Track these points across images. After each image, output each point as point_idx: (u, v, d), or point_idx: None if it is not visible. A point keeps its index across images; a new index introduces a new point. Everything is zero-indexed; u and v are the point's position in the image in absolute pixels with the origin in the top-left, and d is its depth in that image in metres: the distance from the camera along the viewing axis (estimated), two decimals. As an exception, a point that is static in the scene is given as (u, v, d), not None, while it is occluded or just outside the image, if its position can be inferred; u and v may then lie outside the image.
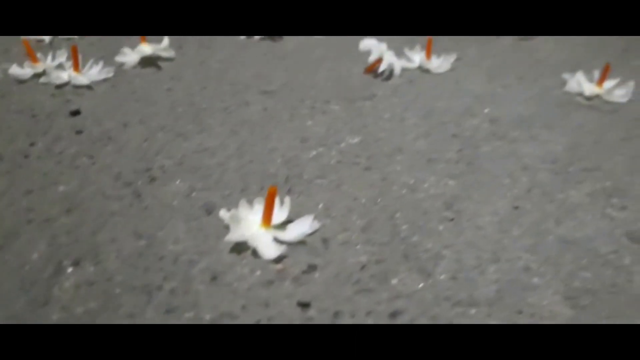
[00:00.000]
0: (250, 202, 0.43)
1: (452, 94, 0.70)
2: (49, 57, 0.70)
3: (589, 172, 0.53)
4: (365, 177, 0.50)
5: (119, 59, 0.73)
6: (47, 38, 0.80)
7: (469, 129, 0.61)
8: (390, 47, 0.76)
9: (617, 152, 0.57)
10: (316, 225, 0.43)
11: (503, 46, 0.88)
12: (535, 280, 0.39)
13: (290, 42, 0.85)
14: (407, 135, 0.58)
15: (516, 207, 0.47)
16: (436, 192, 0.49)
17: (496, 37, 0.92)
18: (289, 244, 0.41)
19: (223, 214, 0.42)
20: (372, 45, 0.75)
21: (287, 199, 0.43)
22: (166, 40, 0.76)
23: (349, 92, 0.69)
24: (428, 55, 0.77)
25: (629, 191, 0.50)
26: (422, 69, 0.77)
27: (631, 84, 0.71)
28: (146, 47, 0.74)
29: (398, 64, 0.75)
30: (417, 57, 0.78)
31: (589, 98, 0.70)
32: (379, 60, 0.75)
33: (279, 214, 0.43)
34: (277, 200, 0.43)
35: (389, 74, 0.74)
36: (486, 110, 0.65)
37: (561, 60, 0.82)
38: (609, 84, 0.72)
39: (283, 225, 0.43)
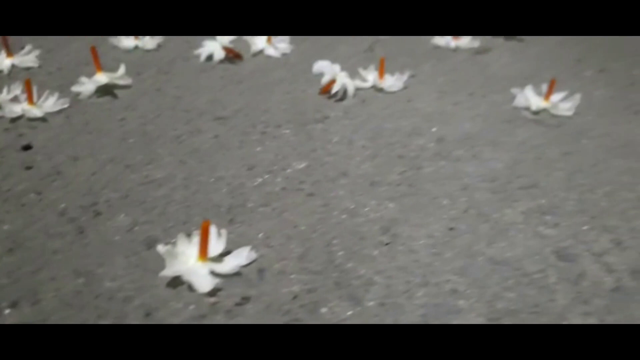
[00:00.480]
0: (190, 235, 0.44)
1: (402, 113, 0.71)
2: (4, 91, 0.71)
3: (526, 189, 0.55)
4: (308, 203, 0.52)
5: (75, 88, 0.74)
6: (5, 69, 0.81)
7: (414, 149, 0.62)
8: (345, 67, 0.78)
9: (557, 167, 0.59)
10: (253, 255, 0.44)
11: (458, 61, 0.90)
12: (461, 302, 0.40)
13: (249, 64, 0.87)
14: (353, 158, 0.60)
15: (451, 229, 0.48)
16: (375, 216, 0.50)
17: (452, 52, 0.94)
18: (225, 276, 0.42)
19: (160, 248, 0.43)
20: (325, 67, 0.76)
21: (223, 231, 0.44)
22: (122, 68, 0.77)
23: (301, 115, 0.70)
24: (381, 75, 0.79)
25: (562, 208, 0.52)
26: (376, 88, 0.78)
27: (577, 97, 0.73)
28: (102, 77, 0.75)
29: (351, 85, 0.76)
30: (370, 77, 0.80)
31: (535, 112, 0.71)
32: (333, 81, 0.76)
33: (216, 246, 0.44)
34: (215, 232, 0.44)
35: (343, 94, 0.75)
36: (434, 129, 0.67)
37: (513, 74, 0.84)
38: (556, 97, 0.74)
39: (221, 257, 0.44)
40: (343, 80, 0.76)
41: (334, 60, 0.87)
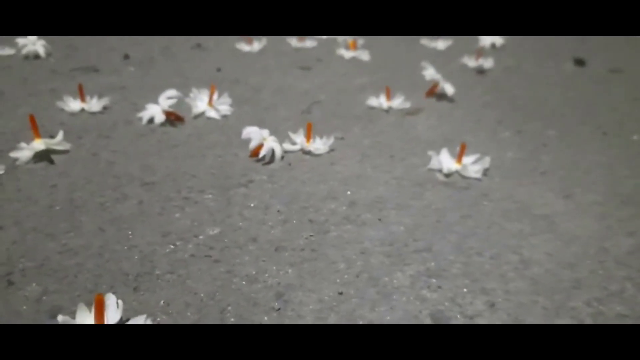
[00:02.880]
0: (91, 305, 0.48)
1: (323, 177, 0.76)
2: (-58, 159, 0.74)
3: (419, 253, 0.59)
4: (212, 270, 0.55)
5: (14, 154, 0.78)
6: (-51, 136, 0.84)
7: (326, 213, 0.66)
8: (282, 129, 0.83)
9: (453, 231, 0.63)
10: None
11: (387, 123, 0.96)
12: (332, 368, 0.44)
13: (188, 128, 0.91)
14: (266, 223, 0.64)
15: (340, 293, 0.52)
16: (273, 282, 0.54)
17: (384, 113, 1.00)
18: (118, 345, 0.45)
19: (60, 318, 0.46)
20: (252, 132, 0.81)
21: (120, 302, 0.47)
22: (60, 134, 0.81)
23: (227, 179, 0.74)
24: (308, 139, 0.84)
25: (448, 271, 0.56)
26: (303, 152, 0.83)
27: (487, 160, 0.79)
28: (39, 143, 0.79)
29: (279, 148, 0.81)
30: (299, 140, 0.85)
31: (447, 175, 0.77)
32: (261, 145, 0.81)
33: (114, 315, 0.47)
34: (113, 302, 0.48)
35: (271, 157, 0.80)
36: (348, 193, 0.71)
37: (437, 136, 0.90)
38: (468, 160, 0.80)
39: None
40: (270, 144, 0.81)
41: (272, 122, 0.93)
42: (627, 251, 0.60)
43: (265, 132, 0.82)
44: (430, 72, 1.06)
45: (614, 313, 0.51)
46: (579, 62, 1.28)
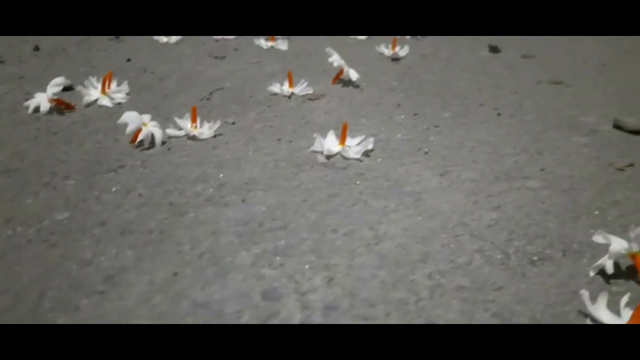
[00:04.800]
0: None
1: (199, 160, 0.73)
2: None
3: (273, 231, 0.57)
4: (46, 254, 0.52)
5: None
6: None
7: (189, 196, 0.64)
8: (168, 117, 0.80)
9: (315, 209, 0.62)
10: (-48, 311, 0.44)
11: (285, 109, 0.94)
12: (139, 348, 0.41)
13: (77, 115, 0.88)
14: (121, 207, 0.61)
15: (175, 274, 0.50)
16: (107, 265, 0.51)
17: (286, 99, 0.98)
18: None
19: None
20: (130, 117, 0.78)
21: None
22: None
23: (97, 165, 0.71)
24: (192, 123, 0.82)
25: (297, 248, 0.54)
26: (188, 137, 0.81)
27: (370, 140, 0.77)
28: None
29: (159, 133, 0.78)
30: (184, 125, 0.82)
31: (328, 156, 0.75)
32: (139, 131, 0.78)
33: None
34: None
35: (150, 143, 0.77)
36: (221, 176, 0.69)
37: (332, 120, 0.88)
38: (353, 141, 0.78)
39: None
40: (149, 129, 0.78)
41: (167, 109, 0.90)
42: (487, 225, 0.59)
43: (146, 117, 0.80)
44: (335, 58, 1.04)
45: (453, 285, 0.50)
46: (494, 49, 1.29)
